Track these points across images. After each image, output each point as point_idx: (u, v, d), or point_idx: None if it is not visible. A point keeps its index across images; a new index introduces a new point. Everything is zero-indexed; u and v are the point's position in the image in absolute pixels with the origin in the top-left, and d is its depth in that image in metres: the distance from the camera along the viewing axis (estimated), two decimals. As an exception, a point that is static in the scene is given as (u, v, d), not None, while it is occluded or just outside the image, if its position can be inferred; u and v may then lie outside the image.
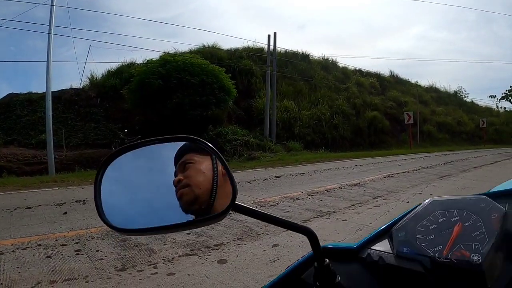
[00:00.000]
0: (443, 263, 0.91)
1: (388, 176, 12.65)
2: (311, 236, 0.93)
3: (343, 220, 6.95)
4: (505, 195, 1.12)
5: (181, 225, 0.94)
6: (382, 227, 1.11)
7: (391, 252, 0.99)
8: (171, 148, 1.01)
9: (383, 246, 1.04)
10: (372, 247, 1.05)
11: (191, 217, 0.95)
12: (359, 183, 11.12)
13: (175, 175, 0.97)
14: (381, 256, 0.98)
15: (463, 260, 0.90)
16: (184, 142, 1.01)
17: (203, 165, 0.98)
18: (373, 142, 32.59)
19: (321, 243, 0.96)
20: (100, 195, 0.99)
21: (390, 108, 37.07)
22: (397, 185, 10.89)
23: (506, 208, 1.04)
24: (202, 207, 0.94)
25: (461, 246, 0.93)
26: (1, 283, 4.30)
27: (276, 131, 27.20)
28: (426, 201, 1.10)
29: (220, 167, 0.98)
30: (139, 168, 1.06)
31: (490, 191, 1.17)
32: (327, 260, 0.94)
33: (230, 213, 0.93)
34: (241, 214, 0.95)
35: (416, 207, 1.11)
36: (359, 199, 8.85)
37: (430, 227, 1.01)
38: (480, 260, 0.89)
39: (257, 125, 27.62)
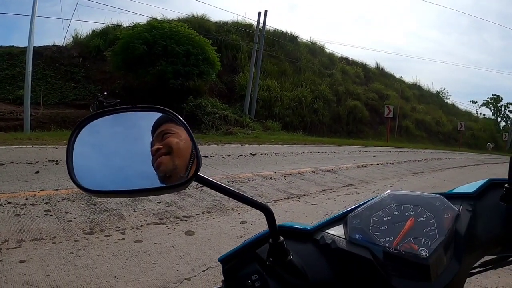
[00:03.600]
0: (391, 253, 0.95)
1: (362, 166, 12.78)
2: (268, 214, 0.96)
3: (312, 204, 7.06)
4: (460, 197, 1.15)
5: (145, 190, 0.98)
6: (339, 213, 1.12)
7: (344, 237, 1.03)
8: (146, 118, 1.03)
9: (337, 231, 1.06)
10: (326, 231, 1.07)
11: (156, 184, 0.96)
12: (332, 169, 11.23)
13: (152, 145, 0.98)
14: (333, 239, 1.02)
15: (411, 253, 0.94)
16: (160, 114, 1.03)
17: (182, 136, 0.99)
18: (351, 130, 32.84)
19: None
20: (72, 157, 1.00)
21: (372, 100, 37.24)
22: (369, 175, 11.03)
23: (460, 209, 1.08)
24: (180, 176, 0.96)
25: (411, 239, 0.97)
26: (-33, 239, 4.30)
27: (256, 109, 27.18)
28: (385, 193, 1.13)
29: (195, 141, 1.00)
30: (113, 134, 1.07)
31: (448, 192, 1.23)
32: (282, 238, 0.97)
33: (201, 186, 0.95)
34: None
35: (374, 197, 1.14)
36: (330, 185, 8.97)
37: (384, 218, 1.05)
38: (427, 255, 0.93)
39: (238, 101, 27.56)
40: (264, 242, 1.03)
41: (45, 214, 5.25)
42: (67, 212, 5.34)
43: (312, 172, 10.43)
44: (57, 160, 8.67)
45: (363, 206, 1.10)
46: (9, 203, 5.58)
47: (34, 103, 20.19)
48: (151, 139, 0.99)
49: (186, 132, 0.98)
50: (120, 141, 1.05)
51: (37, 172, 7.62)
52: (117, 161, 1.02)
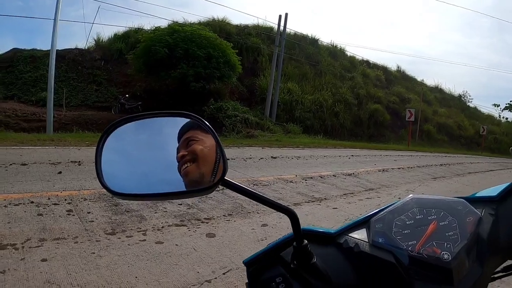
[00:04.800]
0: (414, 257, 0.96)
1: (383, 170, 12.66)
2: (293, 217, 0.96)
3: (333, 208, 6.99)
4: (483, 201, 1.13)
5: (172, 194, 0.99)
6: (362, 217, 1.13)
7: (367, 241, 1.03)
8: (172, 123, 1.05)
9: (360, 235, 1.07)
10: (349, 234, 1.07)
11: (182, 188, 0.98)
12: (353, 173, 11.14)
13: (178, 151, 1.00)
14: (357, 243, 1.02)
15: (433, 256, 0.95)
16: (187, 120, 1.04)
17: (207, 143, 1.01)
18: (372, 134, 32.61)
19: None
20: (100, 160, 1.03)
21: (393, 103, 36.99)
22: (391, 180, 10.92)
23: (482, 213, 1.07)
24: (205, 182, 0.98)
25: (434, 243, 0.97)
26: (-9, 237, 4.34)
27: (277, 112, 27.20)
28: (407, 197, 1.14)
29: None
30: (140, 139, 1.09)
31: (470, 196, 1.21)
32: (306, 241, 0.98)
33: (223, 189, 0.96)
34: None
35: (397, 201, 1.14)
36: (351, 189, 8.89)
37: (407, 222, 1.05)
38: (450, 258, 0.93)
39: (259, 104, 27.61)
40: (288, 245, 1.04)
41: (67, 214, 5.28)
42: (89, 213, 5.37)
43: (333, 175, 10.36)
44: (79, 161, 8.74)
45: (385, 210, 1.11)
46: (32, 202, 5.63)
47: (57, 105, 20.48)
48: (177, 144, 1.01)
49: (212, 137, 1.00)
50: (146, 146, 1.07)
51: (60, 172, 7.69)
52: (143, 165, 1.04)
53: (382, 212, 1.11)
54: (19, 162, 8.34)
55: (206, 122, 1.02)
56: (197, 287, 3.59)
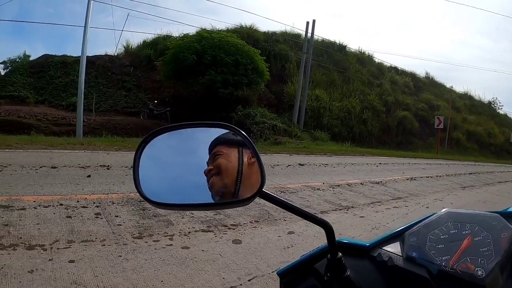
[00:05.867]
0: (448, 272, 0.94)
1: (411, 178, 12.50)
2: (328, 229, 0.97)
3: (360, 217, 6.91)
4: None
5: (207, 205, 1.03)
6: (396, 230, 1.13)
7: (400, 254, 1.02)
8: (205, 132, 1.08)
9: (394, 248, 1.06)
10: (383, 247, 1.07)
11: (216, 199, 1.00)
12: (381, 181, 11.02)
13: (208, 165, 1.02)
14: (390, 257, 1.01)
15: (467, 272, 0.93)
16: (225, 130, 1.06)
17: (231, 157, 1.03)
18: (400, 141, 32.29)
19: (337, 237, 1.00)
20: (138, 169, 1.05)
21: (421, 110, 36.63)
22: (419, 189, 10.76)
23: None
24: (229, 194, 1.00)
25: (468, 259, 0.96)
26: (20, 237, 4.41)
27: (305, 119, 27.14)
28: (442, 211, 1.13)
29: (246, 158, 1.04)
30: (174, 149, 1.11)
31: (505, 210, 1.19)
32: (340, 254, 0.98)
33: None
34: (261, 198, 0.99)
35: (431, 215, 1.14)
36: (379, 197, 8.79)
37: (441, 237, 1.04)
38: (484, 275, 0.91)
39: (286, 110, 27.60)
40: (322, 257, 1.05)
41: (96, 217, 5.34)
42: (117, 216, 5.41)
43: (361, 183, 10.27)
44: (108, 165, 8.85)
45: (420, 224, 1.11)
46: (61, 204, 5.71)
47: (87, 109, 20.81)
48: (208, 157, 1.04)
49: (250, 146, 1.03)
50: (178, 155, 1.11)
51: (89, 176, 7.80)
52: (176, 174, 1.08)
53: (416, 226, 1.10)
54: (49, 165, 8.49)
55: (243, 133, 1.04)
56: (223, 292, 3.59)
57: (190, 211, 5.13)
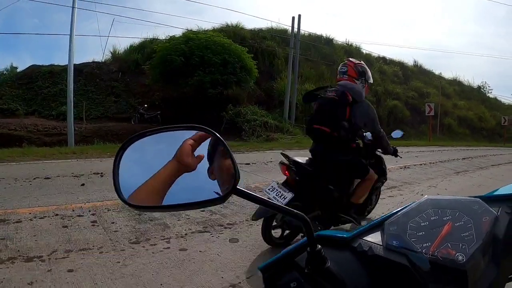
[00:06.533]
0: (428, 259, 0.95)
1: (405, 167, 12.51)
2: (305, 223, 0.97)
3: (356, 208, 6.94)
4: (499, 200, 1.14)
5: (185, 205, 1.01)
6: (376, 220, 1.13)
7: (381, 244, 1.03)
8: (187, 135, 1.06)
9: (374, 238, 1.07)
10: (364, 238, 1.08)
11: (198, 198, 0.99)
12: (374, 171, 11.04)
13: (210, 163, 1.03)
14: (371, 246, 1.02)
15: (448, 258, 0.94)
16: (201, 132, 1.06)
17: (221, 154, 1.04)
18: (392, 131, 32.21)
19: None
20: (118, 173, 1.05)
21: (412, 98, 36.61)
22: (413, 176, 10.81)
23: (499, 212, 1.06)
24: (222, 191, 1.00)
25: (449, 244, 0.97)
26: (18, 250, 4.43)
27: (296, 114, 27.07)
28: (422, 198, 1.13)
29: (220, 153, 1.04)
30: (155, 152, 1.11)
31: (487, 194, 1.21)
32: (319, 246, 0.98)
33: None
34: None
35: (412, 203, 1.14)
36: (373, 187, 8.81)
37: (421, 224, 1.04)
38: (464, 260, 0.93)
39: (277, 107, 27.54)
40: (302, 250, 1.05)
41: (92, 225, 5.36)
42: (113, 223, 5.43)
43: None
44: (101, 173, 8.83)
45: (400, 212, 1.10)
46: (57, 215, 5.72)
47: (77, 118, 20.75)
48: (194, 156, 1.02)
49: (223, 147, 1.02)
50: (160, 157, 1.06)
51: (83, 184, 7.79)
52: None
53: (396, 215, 1.11)
54: (43, 176, 8.46)
55: (216, 133, 1.03)
56: (221, 292, 3.62)
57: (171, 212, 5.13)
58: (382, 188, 8.68)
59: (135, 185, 1.05)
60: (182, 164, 1.01)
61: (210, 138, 1.04)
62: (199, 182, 1.01)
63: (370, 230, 1.11)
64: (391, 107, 33.34)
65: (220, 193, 0.99)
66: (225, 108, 23.46)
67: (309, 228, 0.97)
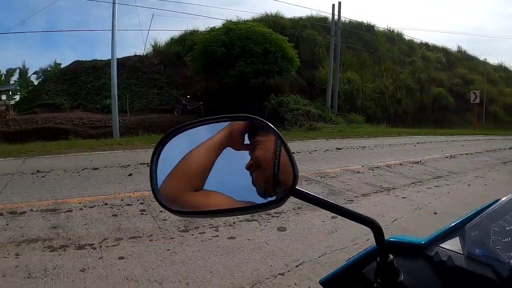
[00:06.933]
0: None
1: (450, 156, 12.26)
2: (375, 229, 0.88)
3: (402, 198, 6.84)
4: None
5: (235, 210, 0.94)
6: (454, 223, 1.01)
7: (461, 252, 0.91)
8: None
9: (453, 245, 0.94)
10: (441, 245, 0.96)
11: (251, 202, 0.89)
12: (420, 161, 10.88)
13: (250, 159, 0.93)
14: (450, 256, 0.90)
15: None
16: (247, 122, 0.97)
17: (267, 145, 0.93)
18: (436, 119, 31.53)
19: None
20: (156, 175, 0.96)
21: (456, 85, 35.67)
22: (459, 166, 10.55)
23: None
24: (269, 189, 0.90)
25: None
26: (70, 238, 4.54)
27: (338, 102, 26.91)
28: (505, 197, 1.02)
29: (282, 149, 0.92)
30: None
31: None
32: (391, 256, 0.89)
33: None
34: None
35: (493, 202, 1.02)
36: (419, 177, 8.69)
37: (506, 228, 0.92)
38: None
39: (319, 95, 27.41)
40: (370, 260, 0.95)
41: (141, 214, 5.46)
42: (161, 211, 5.48)
43: (400, 164, 10.15)
44: (147, 163, 8.89)
45: (481, 214, 0.98)
46: (106, 204, 5.86)
47: (121, 110, 21.09)
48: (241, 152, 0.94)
49: (278, 139, 0.91)
50: None
51: (130, 174, 7.97)
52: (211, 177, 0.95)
53: (477, 217, 0.99)
54: (91, 166, 8.69)
55: (269, 123, 0.94)
56: (271, 280, 3.61)
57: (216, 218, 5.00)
58: (428, 178, 8.56)
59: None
60: (230, 136, 0.94)
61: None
62: (238, 177, 0.92)
63: (448, 235, 0.99)
64: (435, 95, 32.68)
65: (259, 192, 0.90)
66: (267, 98, 23.44)
67: (380, 235, 0.88)
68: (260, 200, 0.89)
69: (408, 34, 51.68)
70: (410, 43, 38.98)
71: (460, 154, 12.95)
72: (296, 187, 0.85)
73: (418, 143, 16.31)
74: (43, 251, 4.21)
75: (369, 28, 36.73)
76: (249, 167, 0.91)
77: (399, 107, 29.91)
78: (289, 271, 3.78)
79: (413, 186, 7.83)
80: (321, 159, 10.63)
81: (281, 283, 3.58)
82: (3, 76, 36.27)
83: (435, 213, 5.83)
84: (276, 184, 0.88)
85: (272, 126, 0.92)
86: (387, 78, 30.85)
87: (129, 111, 22.81)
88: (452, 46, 44.16)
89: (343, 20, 30.58)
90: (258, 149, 0.93)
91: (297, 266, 3.87)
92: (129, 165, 8.89)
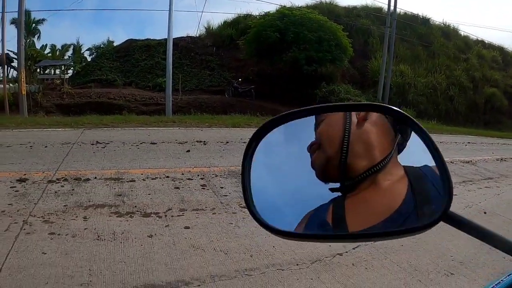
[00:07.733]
0: None
1: (501, 159, 12.03)
2: None
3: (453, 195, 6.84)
4: None
5: (356, 236, 0.79)
6: None
7: None
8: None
9: None
10: None
11: (385, 228, 0.73)
12: (471, 161, 10.76)
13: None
14: None
15: None
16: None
17: (332, 119, 0.82)
18: (487, 120, 30.61)
19: None
20: (250, 182, 0.82)
21: (511, 87, 34.63)
22: (510, 170, 10.36)
23: None
24: (334, 170, 0.77)
25: None
26: (135, 206, 4.82)
27: (390, 95, 26.50)
28: None
29: (353, 123, 0.79)
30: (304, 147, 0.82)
31: None
32: None
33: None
34: None
35: None
36: (470, 177, 8.67)
37: None
38: None
39: (371, 87, 27.06)
40: None
41: (202, 188, 5.71)
42: (222, 187, 5.73)
43: (451, 162, 10.04)
44: (204, 141, 9.26)
45: None
46: (168, 177, 6.14)
47: (173, 89, 21.43)
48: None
49: (428, 142, 0.80)
50: (303, 157, 0.81)
51: (188, 151, 8.25)
52: (305, 187, 0.82)
53: None
54: (148, 141, 9.00)
55: (415, 120, 0.80)
56: (330, 259, 3.79)
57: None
58: (478, 178, 8.49)
59: (277, 198, 0.83)
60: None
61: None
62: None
63: None
64: (488, 95, 31.57)
65: (318, 175, 0.77)
66: (319, 86, 23.37)
67: None
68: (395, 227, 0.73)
69: (464, 30, 50.31)
70: (466, 39, 37.80)
71: (511, 158, 12.72)
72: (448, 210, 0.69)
73: (469, 143, 16.04)
74: (110, 216, 4.50)
75: (425, 21, 35.84)
76: (310, 147, 0.80)
77: (451, 105, 29.09)
78: (346, 252, 3.95)
79: (464, 184, 7.85)
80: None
81: (339, 262, 3.75)
82: (57, 51, 37.29)
83: (484, 213, 5.90)
84: (343, 169, 0.75)
85: (417, 122, 0.80)
86: (440, 74, 30.03)
87: (181, 90, 23.15)
88: (509, 45, 42.80)
89: (398, 12, 29.93)
90: (320, 127, 0.82)
91: (354, 248, 4.04)
92: (186, 142, 9.17)
